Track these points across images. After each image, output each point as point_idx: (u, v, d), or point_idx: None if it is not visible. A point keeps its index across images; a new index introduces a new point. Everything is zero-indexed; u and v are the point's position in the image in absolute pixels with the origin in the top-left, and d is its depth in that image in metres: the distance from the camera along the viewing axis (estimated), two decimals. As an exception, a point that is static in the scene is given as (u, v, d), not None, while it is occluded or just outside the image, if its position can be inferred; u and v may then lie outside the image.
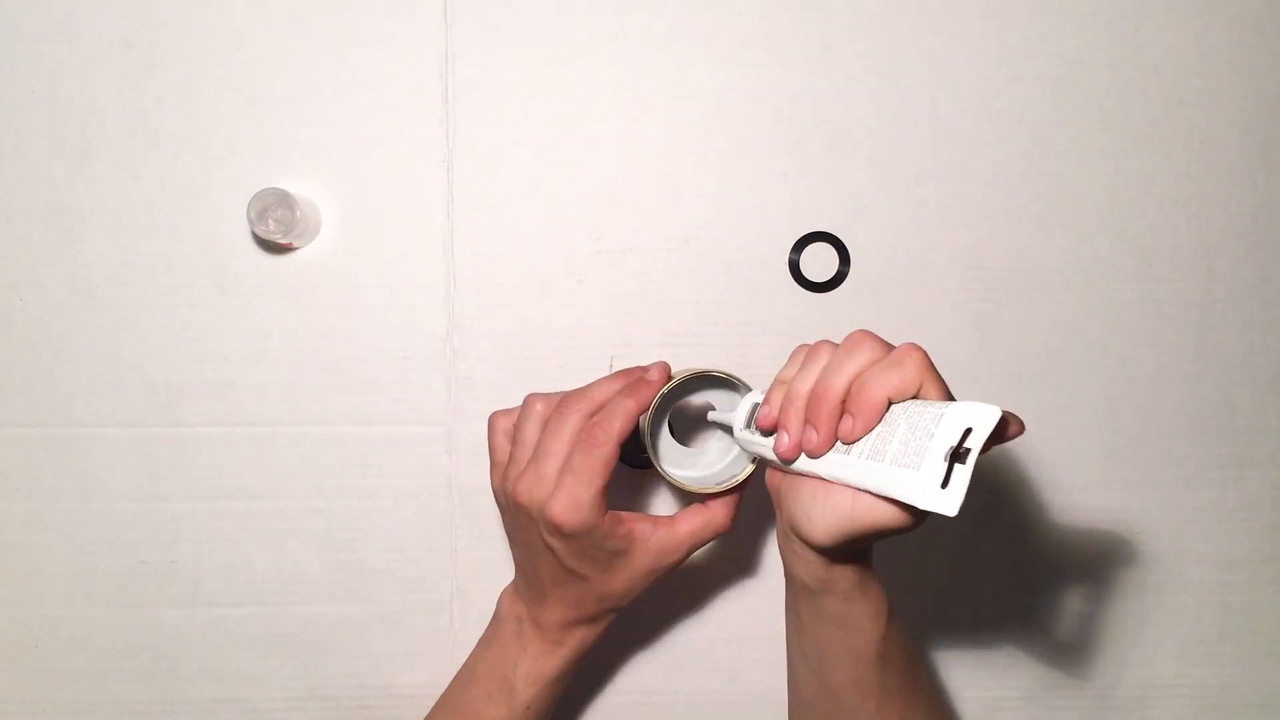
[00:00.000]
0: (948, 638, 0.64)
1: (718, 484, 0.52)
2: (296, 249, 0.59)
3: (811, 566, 0.47)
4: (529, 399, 0.52)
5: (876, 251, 0.61)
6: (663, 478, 0.52)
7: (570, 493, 0.48)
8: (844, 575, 0.47)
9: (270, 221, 0.55)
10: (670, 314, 0.61)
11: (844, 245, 0.60)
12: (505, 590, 0.57)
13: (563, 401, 0.50)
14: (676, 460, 0.54)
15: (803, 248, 0.60)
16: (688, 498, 0.54)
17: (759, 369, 0.61)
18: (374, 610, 0.62)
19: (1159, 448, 0.64)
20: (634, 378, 0.51)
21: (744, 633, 0.63)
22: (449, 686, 0.57)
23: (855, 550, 0.47)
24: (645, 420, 0.51)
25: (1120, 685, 0.65)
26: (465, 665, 0.57)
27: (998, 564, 0.64)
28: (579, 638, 0.54)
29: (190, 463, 0.60)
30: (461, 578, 0.62)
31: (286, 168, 0.59)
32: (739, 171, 0.61)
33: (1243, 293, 0.63)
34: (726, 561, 0.63)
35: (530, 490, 0.49)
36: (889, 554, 0.63)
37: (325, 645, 0.62)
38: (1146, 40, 0.61)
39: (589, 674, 0.63)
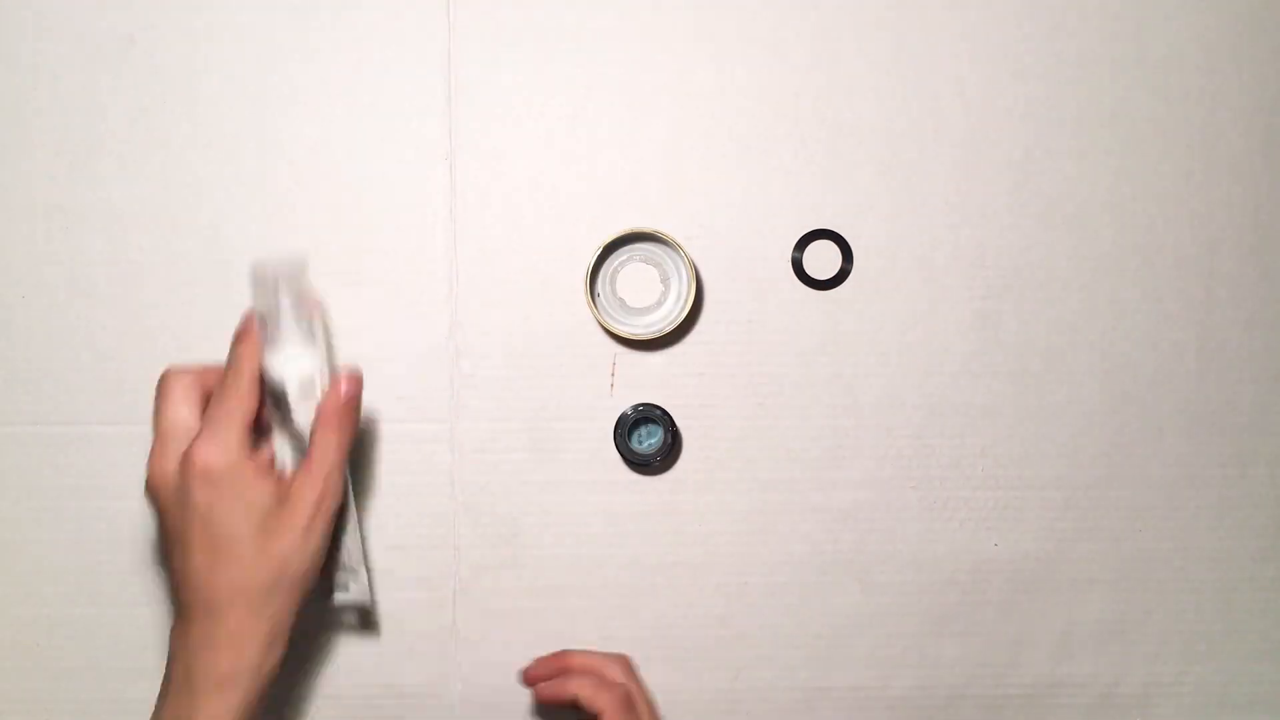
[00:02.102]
0: (951, 636, 0.64)
1: None
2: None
3: None
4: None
5: (879, 250, 0.61)
6: None
7: (211, 434, 0.48)
8: None
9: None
10: (673, 312, 0.61)
11: (847, 242, 0.60)
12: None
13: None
14: None
15: (805, 245, 0.60)
16: None
17: (760, 368, 0.61)
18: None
19: (1161, 446, 0.64)
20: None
21: (744, 632, 0.63)
22: None
23: None
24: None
25: (1122, 684, 0.65)
26: None
27: (1001, 562, 0.64)
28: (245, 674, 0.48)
29: (191, 461, 0.60)
30: (464, 576, 0.62)
31: (289, 165, 0.59)
32: (741, 169, 0.61)
33: (1245, 291, 0.63)
34: (726, 561, 0.63)
35: (159, 456, 0.49)
36: (892, 559, 0.63)
37: (326, 645, 0.62)
38: (1148, 39, 0.62)
39: (591, 673, 0.63)
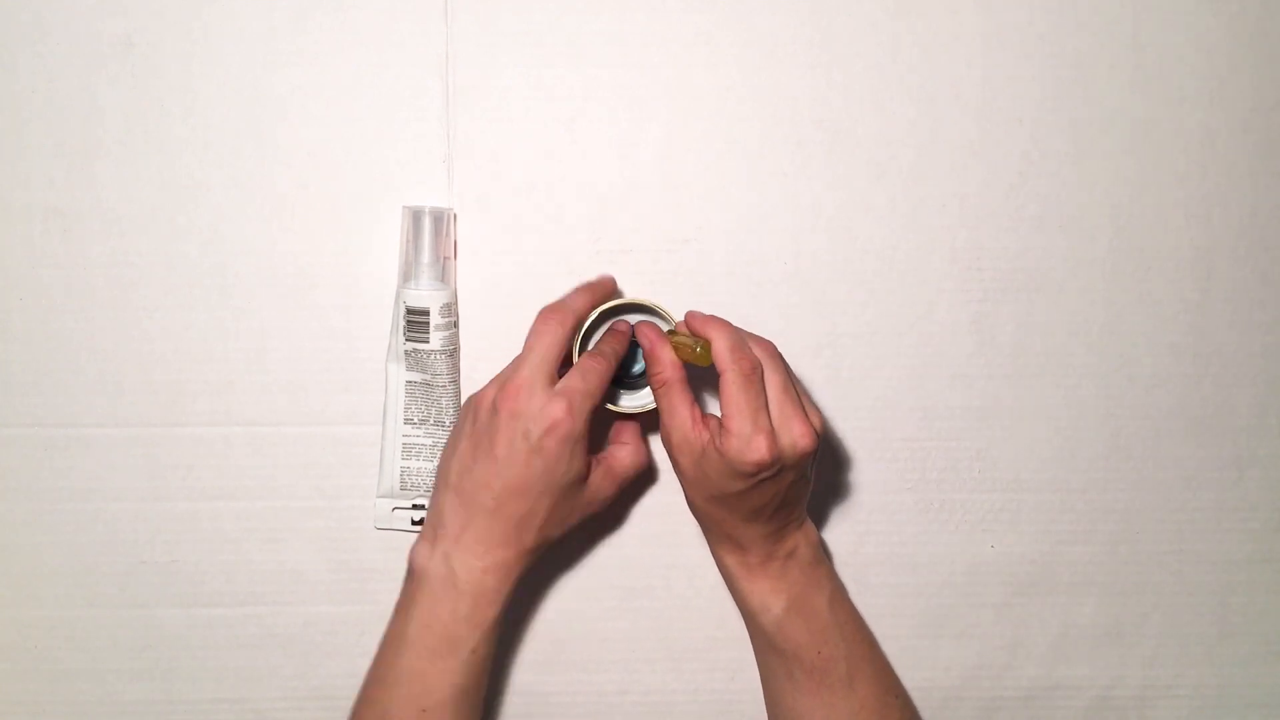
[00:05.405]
0: (948, 638, 0.64)
1: (634, 407, 0.57)
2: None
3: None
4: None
5: (876, 251, 0.61)
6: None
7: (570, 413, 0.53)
8: (717, 558, 0.58)
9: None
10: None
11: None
12: (415, 548, 0.54)
13: None
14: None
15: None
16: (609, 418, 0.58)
17: (758, 369, 0.61)
18: (374, 610, 0.62)
19: (1158, 448, 0.64)
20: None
21: (743, 632, 0.63)
22: (374, 662, 0.55)
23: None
24: (575, 340, 0.55)
25: (1118, 687, 0.65)
26: (387, 636, 0.55)
27: (997, 564, 0.64)
28: (516, 572, 0.54)
29: (190, 463, 0.61)
30: (461, 578, 0.62)
31: (286, 167, 0.59)
32: (738, 172, 0.61)
33: (1242, 293, 0.63)
34: (726, 561, 0.63)
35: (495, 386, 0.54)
36: (888, 561, 0.63)
37: (325, 645, 0.62)
38: (1146, 40, 0.61)
39: (589, 673, 0.63)
